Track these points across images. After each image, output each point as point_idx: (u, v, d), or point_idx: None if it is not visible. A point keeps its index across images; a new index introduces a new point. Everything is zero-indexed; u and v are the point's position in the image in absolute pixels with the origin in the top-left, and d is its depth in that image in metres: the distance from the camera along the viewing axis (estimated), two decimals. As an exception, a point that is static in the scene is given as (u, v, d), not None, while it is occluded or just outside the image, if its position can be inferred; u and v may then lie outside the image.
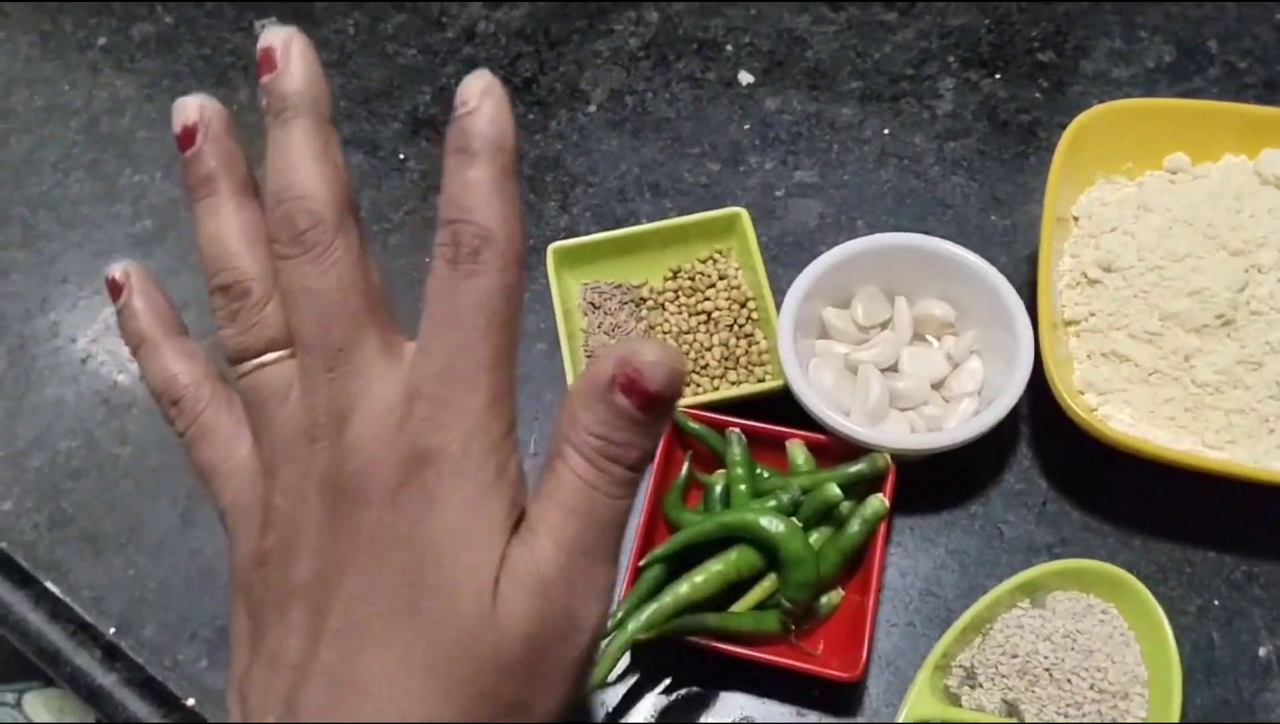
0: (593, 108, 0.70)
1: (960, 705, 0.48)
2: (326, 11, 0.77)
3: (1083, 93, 0.67)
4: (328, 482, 0.30)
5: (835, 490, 0.49)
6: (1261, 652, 0.50)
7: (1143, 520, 0.53)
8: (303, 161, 0.31)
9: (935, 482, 0.55)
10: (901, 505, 0.54)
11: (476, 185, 0.30)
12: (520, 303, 0.30)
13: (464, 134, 0.30)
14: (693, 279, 0.60)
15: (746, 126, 0.68)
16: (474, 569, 0.29)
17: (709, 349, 0.57)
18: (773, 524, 0.48)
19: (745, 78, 0.70)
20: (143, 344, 0.35)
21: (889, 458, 0.51)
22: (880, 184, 0.65)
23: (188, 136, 0.33)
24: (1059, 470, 0.55)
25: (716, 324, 0.58)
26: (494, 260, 0.30)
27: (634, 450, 0.30)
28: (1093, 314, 0.55)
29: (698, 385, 0.56)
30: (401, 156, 0.69)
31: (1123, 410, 0.53)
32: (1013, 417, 0.56)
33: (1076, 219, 0.58)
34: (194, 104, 0.33)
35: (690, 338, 0.58)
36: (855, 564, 0.51)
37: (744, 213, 0.59)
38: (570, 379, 0.55)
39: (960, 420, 0.53)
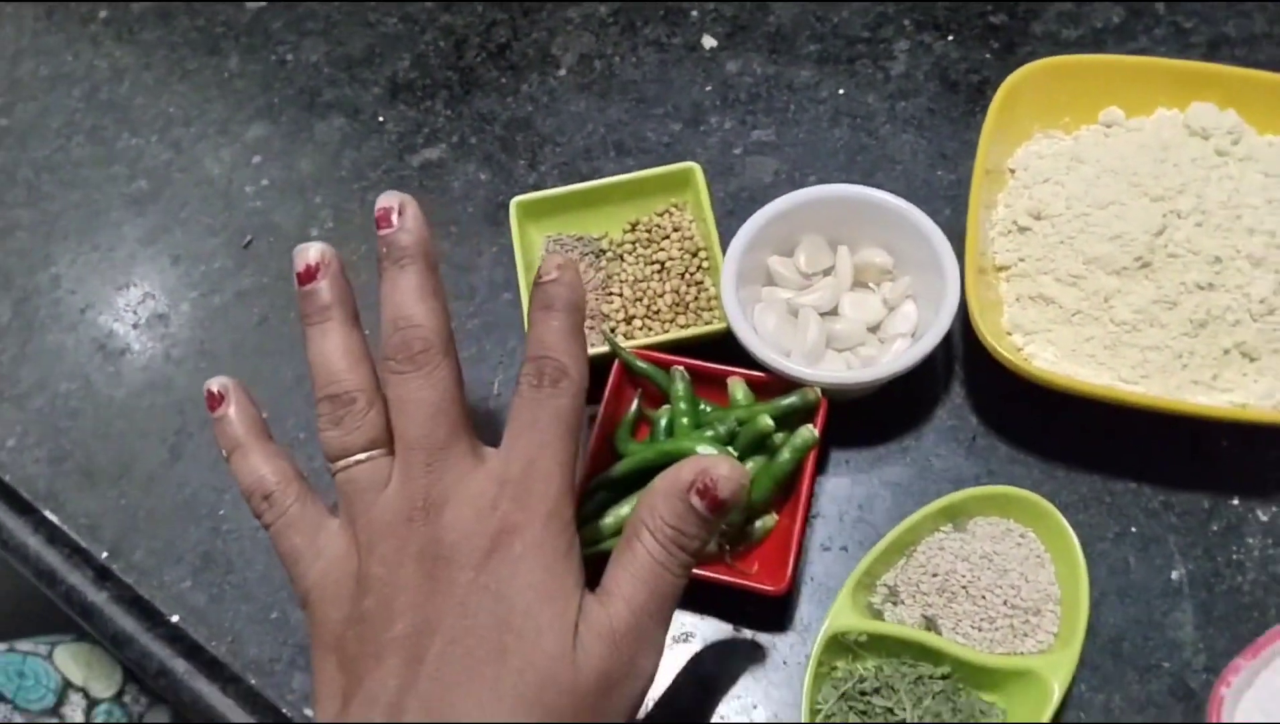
0: (563, 71, 0.74)
1: (883, 620, 0.52)
2: (315, -17, 0.81)
3: (1031, 53, 0.70)
4: (427, 552, 0.37)
5: (767, 421, 0.53)
6: (1174, 575, 0.53)
7: (1066, 453, 0.56)
8: (418, 299, 0.40)
9: (872, 419, 0.58)
10: (840, 440, 0.58)
11: (558, 332, 0.40)
12: (582, 421, 0.40)
13: (547, 296, 0.40)
14: (649, 231, 0.63)
15: (708, 88, 0.71)
16: (557, 617, 0.36)
17: (661, 295, 0.60)
18: (707, 452, 0.52)
19: (709, 42, 0.73)
20: (237, 448, 0.42)
21: (819, 392, 0.54)
22: (834, 141, 0.68)
23: (309, 274, 0.41)
24: (989, 407, 0.58)
25: (669, 272, 0.61)
26: (569, 387, 0.39)
27: (697, 541, 0.38)
28: (1022, 260, 0.58)
29: (649, 328, 0.60)
30: (381, 119, 0.73)
31: (1047, 349, 0.56)
32: (947, 357, 0.59)
33: (1013, 171, 0.61)
34: (315, 248, 0.42)
35: (644, 285, 0.61)
36: (788, 491, 0.54)
37: (697, 168, 0.62)
38: (528, 326, 0.58)
39: (893, 359, 0.57)
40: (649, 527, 0.38)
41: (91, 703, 0.74)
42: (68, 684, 0.73)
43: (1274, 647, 0.46)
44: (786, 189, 0.66)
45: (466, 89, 0.73)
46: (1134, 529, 0.54)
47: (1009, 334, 0.57)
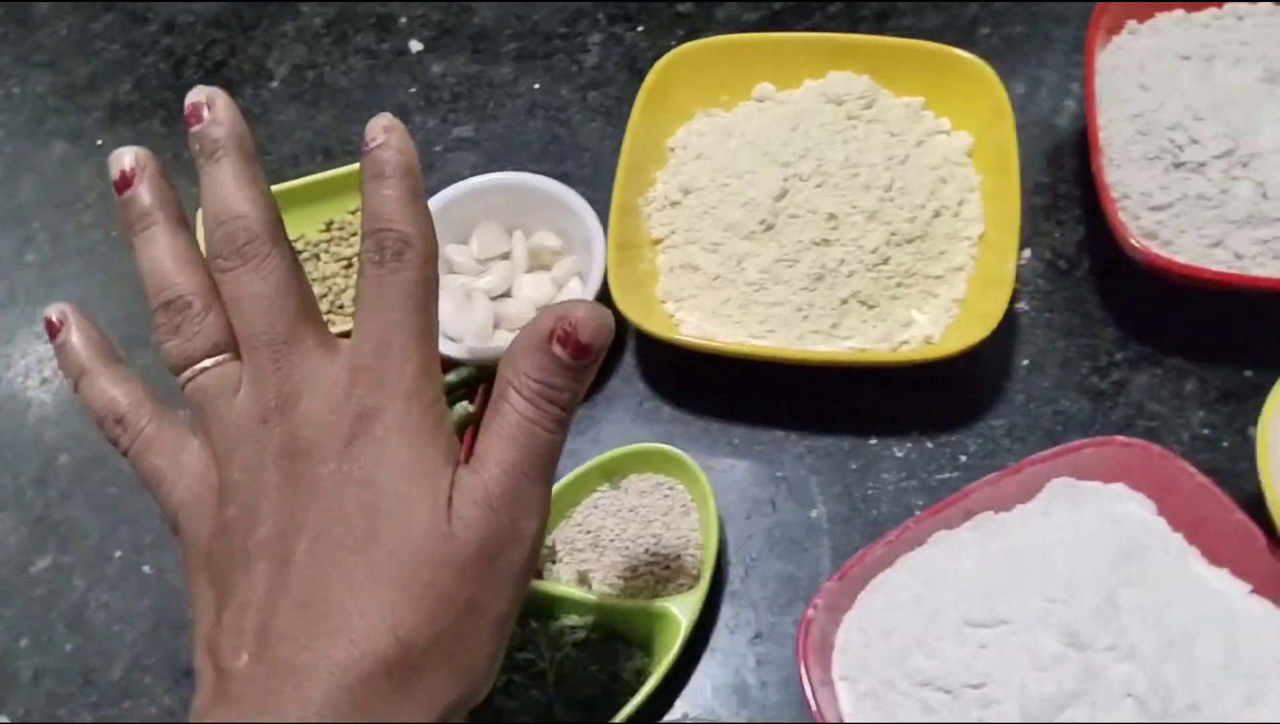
0: (275, 83, 0.76)
1: (542, 579, 0.55)
2: (43, 16, 0.82)
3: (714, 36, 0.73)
4: (284, 450, 0.35)
5: (422, 401, 0.56)
6: (813, 513, 0.57)
7: (722, 410, 0.60)
8: (236, 189, 0.37)
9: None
10: (520, 415, 0.61)
11: (394, 200, 0.36)
12: (436, 292, 0.37)
13: (377, 162, 0.37)
14: (343, 228, 0.66)
15: (413, 90, 0.74)
16: (428, 494, 0.34)
17: (344, 291, 0.63)
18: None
19: (415, 46, 0.76)
20: (83, 374, 0.39)
21: (475, 369, 0.57)
22: (529, 134, 0.71)
23: (125, 181, 0.39)
24: (654, 373, 0.62)
25: (353, 267, 0.64)
26: (414, 259, 0.36)
27: (567, 392, 0.36)
28: (673, 232, 0.61)
29: (332, 322, 0.62)
30: (100, 142, 0.75)
31: (694, 314, 0.59)
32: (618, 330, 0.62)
33: (673, 150, 0.65)
34: (129, 153, 0.39)
35: (332, 282, 0.64)
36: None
37: (378, 166, 0.65)
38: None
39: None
40: (514, 385, 0.35)
41: None
42: None
43: (864, 566, 0.50)
44: (482, 182, 0.69)
45: (182, 107, 0.75)
46: (780, 474, 0.58)
47: (663, 302, 0.60)
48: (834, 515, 0.57)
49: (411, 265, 0.36)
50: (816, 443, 0.59)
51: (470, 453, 0.36)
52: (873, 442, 0.58)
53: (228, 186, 0.37)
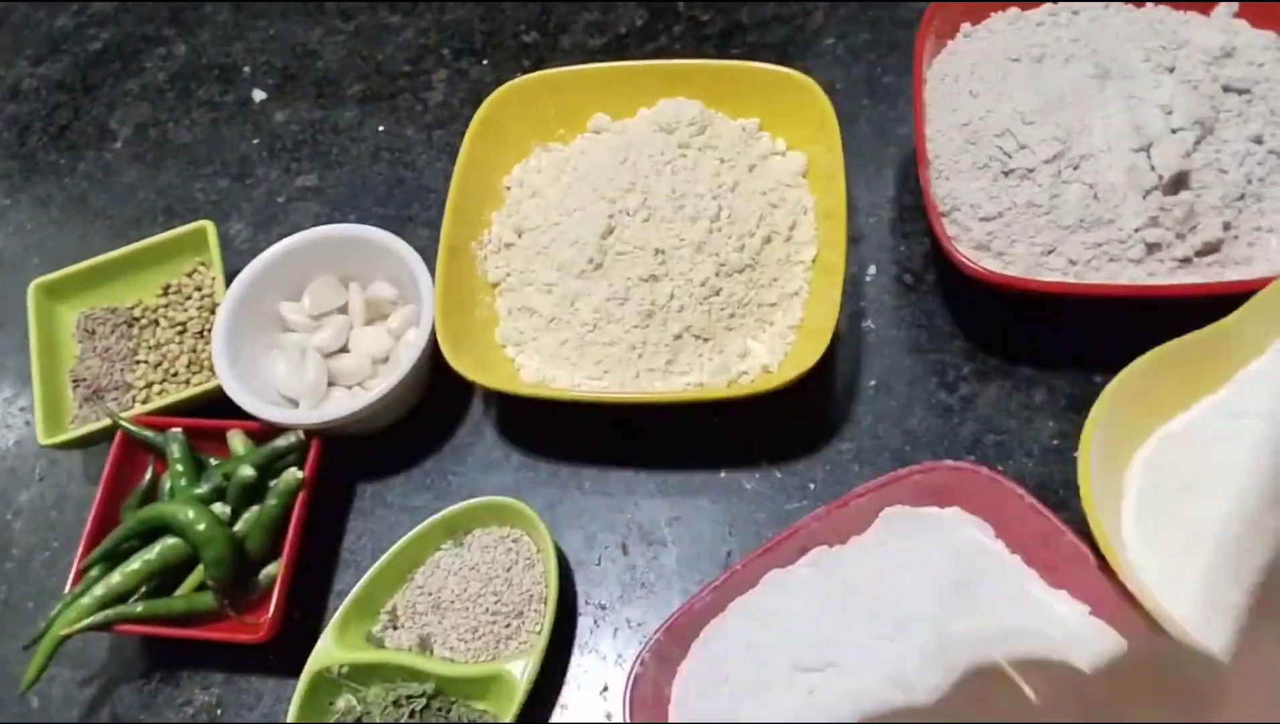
0: (119, 144, 0.74)
1: (384, 647, 0.53)
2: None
3: (559, 66, 0.72)
4: None
5: (246, 471, 0.54)
6: (665, 555, 0.55)
7: (571, 453, 0.58)
8: None
9: (397, 447, 0.60)
10: (367, 474, 0.59)
11: None
12: None
13: None
14: (179, 291, 0.64)
15: (256, 141, 0.73)
16: None
17: (178, 357, 0.61)
18: (181, 512, 0.53)
19: (259, 95, 0.74)
20: None
21: (301, 434, 0.55)
22: (374, 178, 0.70)
23: None
24: (501, 420, 0.60)
25: (187, 332, 0.62)
26: None
27: None
28: (509, 274, 0.60)
29: (166, 391, 0.60)
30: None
31: (533, 357, 0.58)
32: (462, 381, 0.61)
33: (509, 188, 0.63)
34: None
35: (166, 348, 0.62)
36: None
37: (209, 225, 0.63)
38: (40, 418, 0.59)
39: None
40: None
41: None
42: None
43: (694, 615, 0.48)
44: (327, 232, 0.67)
45: (26, 175, 0.74)
46: (631, 516, 0.56)
47: (503, 347, 0.59)
48: (684, 556, 0.55)
49: None
50: (668, 480, 0.57)
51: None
52: (722, 474, 0.57)
53: None
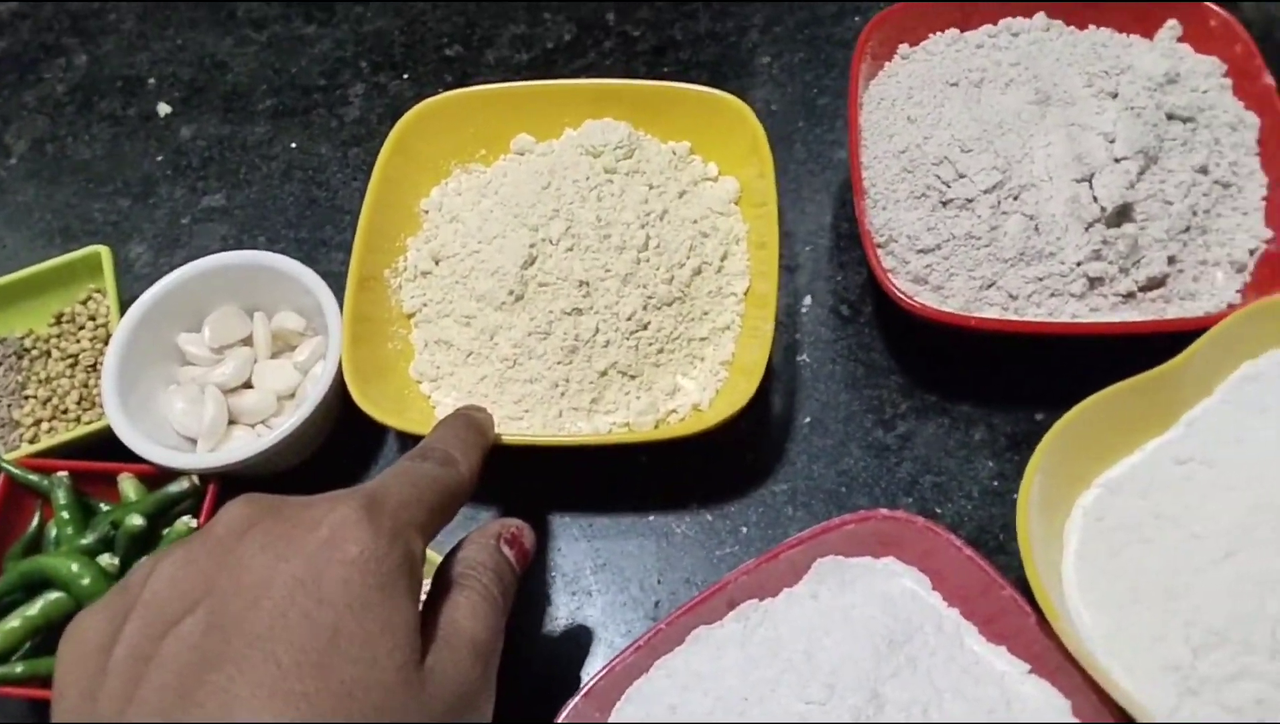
0: (14, 160, 0.70)
1: None
2: None
3: (484, 81, 0.68)
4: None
5: (136, 520, 0.50)
6: (589, 606, 0.52)
7: (494, 496, 0.55)
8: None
9: (305, 489, 0.55)
10: (271, 517, 0.55)
11: (459, 439, 0.43)
12: (450, 510, 0.40)
13: (464, 418, 0.46)
14: (73, 321, 0.60)
15: (160, 158, 0.68)
16: (398, 633, 0.33)
17: (69, 392, 0.57)
18: (63, 565, 0.49)
19: (164, 109, 0.70)
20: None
21: (195, 479, 0.51)
22: (285, 198, 0.66)
23: None
24: (414, 459, 0.56)
25: (79, 365, 0.58)
26: (452, 474, 0.40)
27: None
28: (425, 305, 0.56)
29: (54, 430, 0.56)
30: None
31: (450, 394, 0.54)
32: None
33: (427, 212, 0.60)
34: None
35: (56, 385, 0.57)
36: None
37: (104, 250, 0.59)
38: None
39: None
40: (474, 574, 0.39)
41: None
42: None
43: (615, 676, 0.45)
44: (234, 255, 0.63)
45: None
46: (554, 563, 0.53)
47: (418, 383, 0.55)
48: (610, 606, 0.52)
49: (449, 473, 0.40)
50: (594, 524, 0.54)
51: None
52: (651, 518, 0.54)
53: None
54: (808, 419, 0.55)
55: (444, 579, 0.39)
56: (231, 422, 0.55)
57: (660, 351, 0.53)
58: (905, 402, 0.55)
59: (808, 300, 0.59)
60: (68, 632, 0.34)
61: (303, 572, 0.32)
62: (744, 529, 0.53)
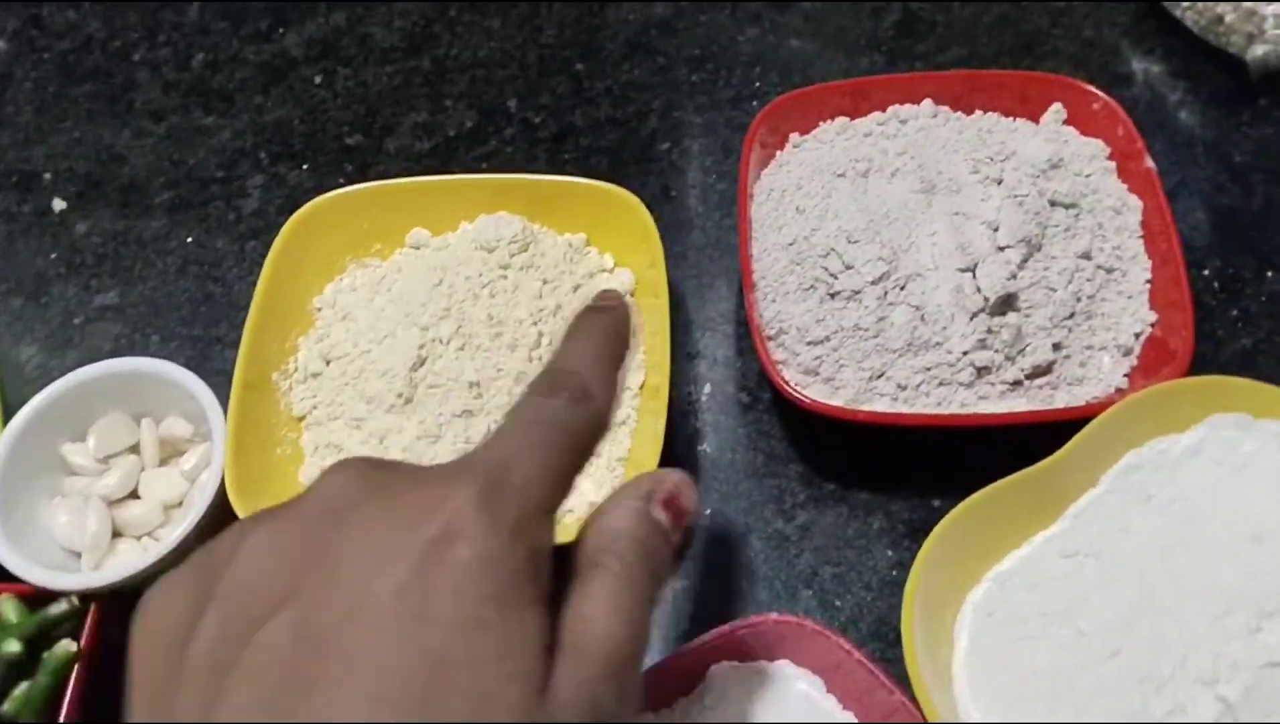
0: (-100, 260, 0.68)
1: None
2: None
3: (383, 171, 0.68)
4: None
5: (11, 646, 0.48)
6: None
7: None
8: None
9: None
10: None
11: (590, 357, 0.34)
12: (587, 453, 0.33)
13: (590, 321, 0.36)
14: (-44, 433, 0.58)
15: (54, 256, 0.67)
16: (516, 658, 0.27)
17: (-53, 508, 0.55)
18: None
19: (59, 205, 0.69)
20: None
21: (74, 600, 0.50)
22: (180, 295, 0.65)
23: None
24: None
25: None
26: (587, 410, 0.33)
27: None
28: (315, 407, 0.55)
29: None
30: None
31: (340, 499, 0.53)
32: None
33: (320, 310, 0.59)
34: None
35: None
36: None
37: (-13, 358, 0.58)
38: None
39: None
40: (614, 552, 0.31)
41: None
42: None
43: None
44: (126, 355, 0.62)
45: None
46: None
47: (310, 488, 0.54)
48: (506, 713, 0.51)
49: (582, 413, 0.33)
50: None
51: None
52: (549, 621, 0.53)
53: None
54: (709, 510, 0.55)
55: (575, 555, 0.31)
56: (117, 534, 0.54)
57: (553, 451, 0.52)
58: (804, 490, 0.55)
59: (707, 388, 0.59)
60: (142, 608, 0.30)
61: (407, 578, 0.27)
62: (644, 628, 0.52)
